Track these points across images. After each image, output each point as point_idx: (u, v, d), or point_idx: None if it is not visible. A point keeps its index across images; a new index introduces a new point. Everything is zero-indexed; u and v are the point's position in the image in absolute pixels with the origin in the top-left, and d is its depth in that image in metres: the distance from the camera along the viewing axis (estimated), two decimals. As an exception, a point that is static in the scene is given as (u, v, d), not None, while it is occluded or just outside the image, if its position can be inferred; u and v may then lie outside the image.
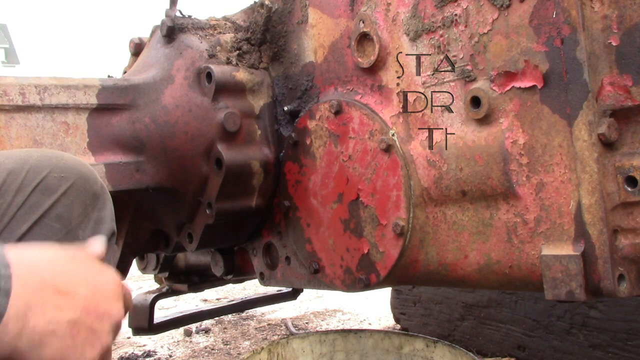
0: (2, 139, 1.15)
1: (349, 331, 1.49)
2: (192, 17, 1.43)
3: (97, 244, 0.76)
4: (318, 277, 1.31)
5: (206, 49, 1.35)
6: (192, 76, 1.34)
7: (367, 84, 1.19)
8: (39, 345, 0.59)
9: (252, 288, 3.40)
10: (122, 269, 1.46)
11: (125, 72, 1.58)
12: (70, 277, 0.65)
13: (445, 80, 1.05)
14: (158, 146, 1.32)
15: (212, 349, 2.38)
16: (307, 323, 2.74)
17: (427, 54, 1.07)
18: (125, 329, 1.81)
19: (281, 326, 2.69)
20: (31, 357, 0.59)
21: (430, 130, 1.08)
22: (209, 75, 1.31)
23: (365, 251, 1.20)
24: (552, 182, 0.92)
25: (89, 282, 0.66)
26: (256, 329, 2.67)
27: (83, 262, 0.69)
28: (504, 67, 0.96)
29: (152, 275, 1.94)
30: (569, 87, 0.88)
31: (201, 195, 1.35)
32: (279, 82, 1.39)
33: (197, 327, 2.66)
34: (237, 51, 1.37)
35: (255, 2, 1.42)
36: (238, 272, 1.61)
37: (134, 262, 1.68)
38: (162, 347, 2.49)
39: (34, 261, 0.63)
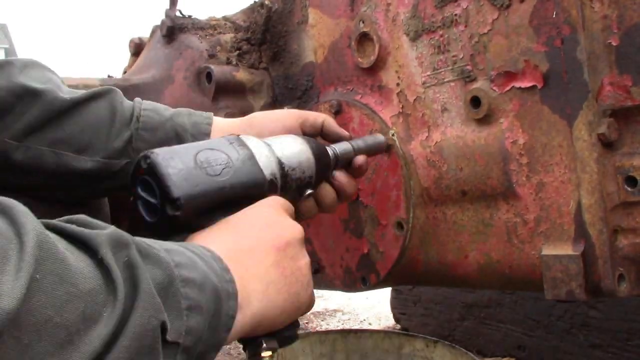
0: (2, 139, 1.15)
1: (349, 331, 1.49)
2: (192, 17, 1.43)
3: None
4: (318, 277, 1.31)
5: (206, 49, 1.35)
6: (192, 76, 1.34)
7: (367, 84, 1.19)
8: (268, 314, 0.64)
9: (252, 288, 3.40)
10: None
11: (125, 72, 1.58)
12: (257, 236, 0.68)
13: (445, 80, 1.05)
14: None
15: (212, 349, 2.37)
16: (307, 323, 2.73)
17: (427, 54, 1.07)
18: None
19: (281, 326, 2.68)
20: (266, 324, 0.64)
21: (430, 130, 1.08)
22: (209, 75, 1.31)
23: (365, 251, 1.20)
24: (552, 182, 0.92)
25: (273, 229, 0.69)
26: (256, 329, 2.67)
27: (264, 216, 0.70)
28: (504, 67, 0.96)
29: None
30: (569, 87, 0.88)
31: (201, 195, 1.35)
32: (279, 82, 1.39)
33: (197, 327, 2.65)
34: (237, 51, 1.37)
35: (255, 2, 1.42)
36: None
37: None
38: (162, 347, 2.48)
39: (232, 248, 0.64)
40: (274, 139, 0.84)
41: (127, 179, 0.79)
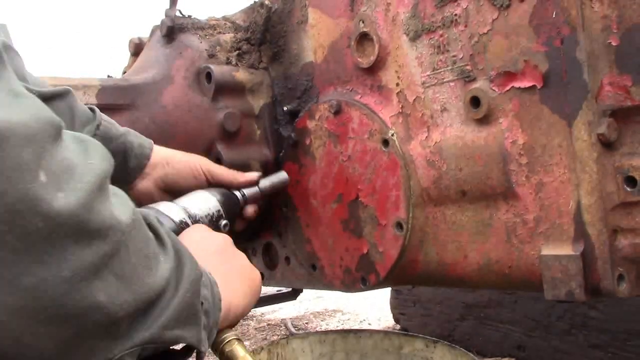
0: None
1: (349, 331, 1.49)
2: (192, 17, 1.43)
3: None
4: (318, 277, 1.31)
5: (206, 49, 1.34)
6: (191, 76, 1.33)
7: (367, 84, 1.19)
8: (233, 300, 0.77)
9: (252, 288, 3.40)
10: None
11: (125, 72, 1.58)
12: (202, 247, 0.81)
13: (444, 80, 1.05)
14: None
15: (212, 349, 2.37)
16: (307, 323, 2.74)
17: (427, 54, 1.07)
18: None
19: (281, 326, 2.69)
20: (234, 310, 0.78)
21: (430, 130, 1.08)
22: (209, 75, 1.31)
23: (365, 251, 1.19)
24: (551, 182, 0.92)
25: (209, 240, 0.87)
26: (256, 329, 2.68)
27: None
28: (503, 67, 0.96)
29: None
30: (568, 87, 0.88)
31: (201, 195, 1.35)
32: (278, 82, 1.39)
33: (197, 327, 2.65)
34: (237, 51, 1.37)
35: (255, 2, 1.42)
36: (238, 272, 1.61)
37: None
38: (162, 347, 2.48)
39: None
40: (184, 197, 1.09)
41: None
